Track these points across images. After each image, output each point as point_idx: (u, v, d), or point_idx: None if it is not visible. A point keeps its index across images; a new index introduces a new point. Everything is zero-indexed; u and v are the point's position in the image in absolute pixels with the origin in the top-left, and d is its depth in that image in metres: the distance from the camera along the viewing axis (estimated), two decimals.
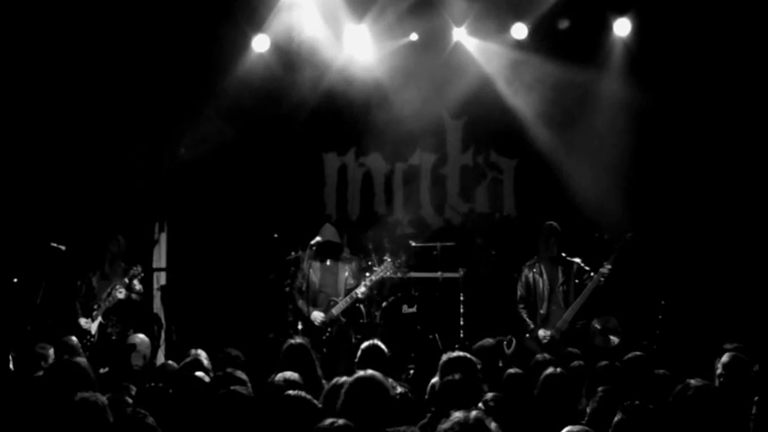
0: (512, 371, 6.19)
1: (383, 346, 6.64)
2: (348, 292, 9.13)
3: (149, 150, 11.52)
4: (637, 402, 4.19)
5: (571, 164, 11.31)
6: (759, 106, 10.62)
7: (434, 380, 5.82)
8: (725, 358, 6.32)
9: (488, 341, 8.23)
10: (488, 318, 10.61)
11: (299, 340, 6.81)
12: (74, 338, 8.45)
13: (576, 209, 10.87)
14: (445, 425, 3.66)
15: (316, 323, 9.05)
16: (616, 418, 4.17)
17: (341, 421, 4.19)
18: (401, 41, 11.60)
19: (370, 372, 4.89)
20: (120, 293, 9.45)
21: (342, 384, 4.99)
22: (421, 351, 10.07)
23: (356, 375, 4.87)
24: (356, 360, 6.56)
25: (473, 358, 6.05)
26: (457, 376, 5.41)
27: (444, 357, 6.00)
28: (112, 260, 9.78)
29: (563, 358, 7.03)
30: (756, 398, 5.00)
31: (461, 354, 6.09)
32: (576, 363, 6.65)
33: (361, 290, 9.08)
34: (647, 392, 5.62)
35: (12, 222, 10.62)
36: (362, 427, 4.41)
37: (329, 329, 9.07)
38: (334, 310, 9.08)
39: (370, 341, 6.65)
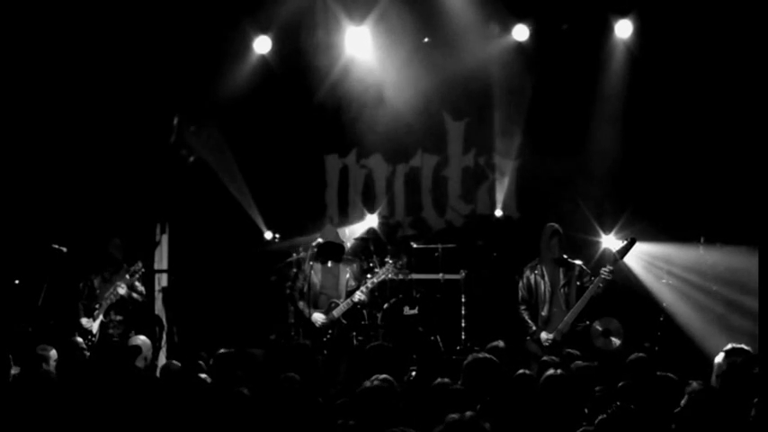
0: (520, 372, 6.20)
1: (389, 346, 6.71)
2: (349, 293, 9.12)
3: (150, 152, 11.52)
4: (618, 403, 4.22)
5: (573, 166, 11.32)
6: (760, 107, 10.61)
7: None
8: (725, 358, 6.32)
9: (499, 343, 8.23)
10: (490, 319, 10.60)
11: (302, 342, 6.84)
12: (79, 338, 8.48)
13: (578, 211, 10.86)
14: (440, 426, 3.72)
15: (316, 325, 9.04)
16: (598, 419, 4.21)
17: (468, 414, 4.19)
18: (402, 43, 11.61)
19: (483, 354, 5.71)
20: (122, 289, 9.44)
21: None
22: (422, 352, 10.07)
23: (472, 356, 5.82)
24: (363, 360, 6.61)
25: (495, 359, 6.18)
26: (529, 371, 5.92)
27: (469, 357, 6.19)
28: (113, 263, 9.77)
29: (564, 359, 7.03)
30: (756, 400, 5.00)
31: (486, 355, 6.25)
32: (577, 363, 6.65)
33: (358, 296, 9.06)
34: (649, 393, 5.64)
35: (13, 224, 10.62)
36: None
37: (330, 331, 9.06)
38: (335, 312, 9.07)
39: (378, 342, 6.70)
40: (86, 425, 5.57)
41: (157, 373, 9.08)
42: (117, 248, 9.80)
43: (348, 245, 10.28)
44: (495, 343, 8.06)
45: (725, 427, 4.76)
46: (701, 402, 4.66)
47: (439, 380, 5.71)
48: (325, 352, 8.99)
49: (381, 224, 11.98)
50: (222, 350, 7.01)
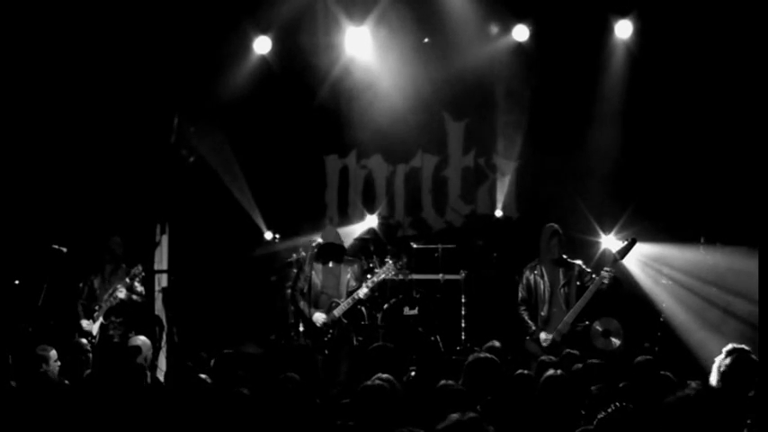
0: (519, 372, 6.21)
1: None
2: (350, 293, 9.12)
3: (150, 152, 11.52)
4: (618, 402, 4.23)
5: (573, 166, 11.32)
6: (760, 107, 10.61)
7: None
8: (728, 360, 6.31)
9: (494, 343, 8.24)
10: (490, 320, 10.61)
11: (302, 342, 6.85)
12: (83, 340, 8.49)
13: (578, 211, 10.86)
14: (442, 425, 3.75)
15: (317, 325, 9.05)
16: (598, 417, 4.22)
17: (470, 414, 4.20)
18: (403, 43, 11.62)
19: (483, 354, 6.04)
20: (121, 293, 9.45)
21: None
22: (422, 353, 10.07)
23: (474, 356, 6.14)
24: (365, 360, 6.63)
25: (496, 359, 6.23)
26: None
27: (471, 357, 6.27)
28: (112, 262, 9.78)
29: (563, 360, 7.03)
30: (749, 421, 4.97)
31: (487, 355, 6.29)
32: (577, 365, 6.65)
33: (363, 291, 9.06)
34: (650, 393, 5.64)
35: (13, 224, 10.62)
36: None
37: (331, 331, 9.07)
38: (336, 312, 9.06)
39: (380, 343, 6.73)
40: (88, 425, 5.57)
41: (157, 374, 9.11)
42: (117, 246, 9.81)
43: (349, 241, 10.30)
44: (490, 343, 8.08)
45: (722, 427, 4.75)
46: (699, 403, 4.64)
47: (443, 382, 5.71)
48: (326, 352, 8.99)
49: (381, 224, 11.98)
50: (226, 350, 7.03)
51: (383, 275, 9.39)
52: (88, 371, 7.58)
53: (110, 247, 9.75)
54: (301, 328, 9.35)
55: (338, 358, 8.98)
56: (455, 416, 3.89)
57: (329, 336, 9.04)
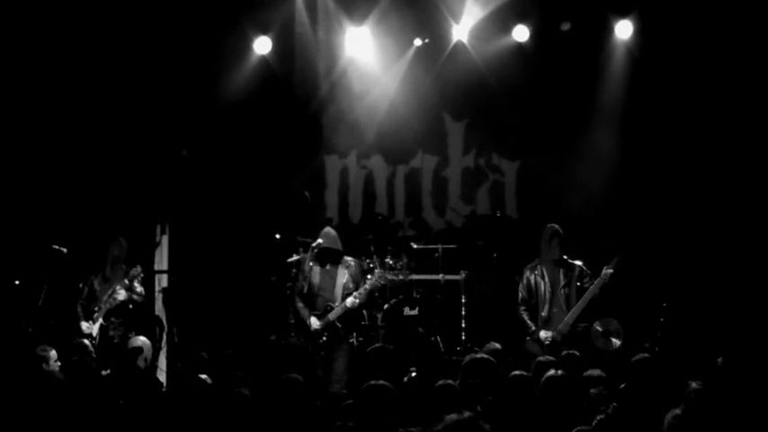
0: (516, 372, 6.22)
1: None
2: (346, 296, 9.13)
3: (150, 152, 11.52)
4: (615, 404, 4.24)
5: (573, 166, 11.32)
6: (761, 108, 10.62)
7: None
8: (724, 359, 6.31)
9: (494, 345, 8.24)
10: (490, 320, 10.61)
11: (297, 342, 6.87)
12: (84, 340, 8.49)
13: (578, 211, 10.86)
14: (439, 426, 3.75)
15: (311, 329, 9.06)
16: (597, 418, 4.23)
17: (467, 413, 4.21)
18: (403, 44, 11.63)
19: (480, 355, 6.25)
20: (121, 295, 9.45)
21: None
22: (422, 353, 10.06)
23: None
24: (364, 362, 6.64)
25: (493, 359, 6.23)
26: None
27: (467, 358, 6.31)
28: (114, 262, 9.78)
29: (563, 360, 7.03)
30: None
31: (483, 355, 6.34)
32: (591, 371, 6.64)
33: (350, 300, 9.05)
34: (650, 394, 5.64)
35: (13, 224, 10.63)
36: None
37: (325, 334, 9.08)
38: (331, 316, 9.08)
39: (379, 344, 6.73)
40: (89, 425, 5.58)
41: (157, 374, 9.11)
42: (121, 248, 9.82)
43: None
44: (489, 345, 8.08)
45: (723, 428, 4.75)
46: (699, 404, 4.65)
47: (441, 381, 5.72)
48: (322, 353, 9.00)
49: (381, 224, 11.97)
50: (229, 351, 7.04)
51: (369, 287, 9.31)
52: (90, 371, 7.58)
53: (109, 248, 9.76)
54: (299, 329, 9.36)
55: (332, 360, 9.00)
56: (453, 416, 3.89)
57: (323, 339, 9.07)
